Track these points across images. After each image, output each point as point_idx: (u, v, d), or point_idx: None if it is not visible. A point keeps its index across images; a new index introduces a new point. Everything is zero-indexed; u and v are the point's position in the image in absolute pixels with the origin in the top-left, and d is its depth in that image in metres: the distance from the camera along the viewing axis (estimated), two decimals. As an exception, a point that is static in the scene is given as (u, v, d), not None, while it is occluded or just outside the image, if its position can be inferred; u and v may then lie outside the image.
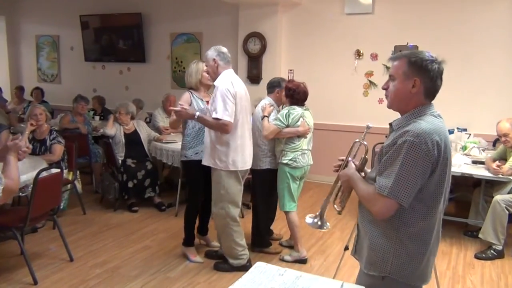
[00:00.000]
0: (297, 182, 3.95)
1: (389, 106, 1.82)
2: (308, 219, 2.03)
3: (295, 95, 3.87)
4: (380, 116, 6.12)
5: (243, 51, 6.69)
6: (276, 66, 6.54)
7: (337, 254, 4.02)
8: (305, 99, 3.93)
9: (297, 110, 3.84)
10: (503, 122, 4.21)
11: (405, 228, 1.69)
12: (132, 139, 5.38)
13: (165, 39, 7.73)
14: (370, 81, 6.24)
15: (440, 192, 1.69)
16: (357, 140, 2.00)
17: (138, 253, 4.06)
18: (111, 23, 8.09)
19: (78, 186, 5.05)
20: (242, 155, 3.47)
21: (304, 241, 4.34)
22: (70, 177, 4.80)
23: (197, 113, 3.41)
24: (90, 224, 4.76)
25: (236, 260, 3.63)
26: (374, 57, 6.18)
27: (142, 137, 5.42)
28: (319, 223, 2.01)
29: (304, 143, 3.89)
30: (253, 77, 6.67)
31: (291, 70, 6.68)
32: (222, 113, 3.29)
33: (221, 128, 3.34)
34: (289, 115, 3.79)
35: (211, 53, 3.47)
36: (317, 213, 2.04)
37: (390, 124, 1.83)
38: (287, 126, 3.79)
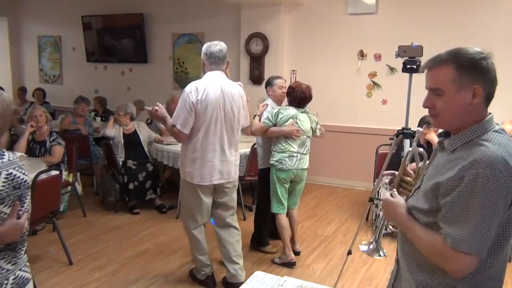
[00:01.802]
0: (285, 186, 3.84)
1: (442, 126, 1.45)
2: (363, 247, 1.72)
3: (292, 93, 3.84)
4: (383, 117, 6.11)
5: (245, 52, 6.64)
6: (278, 67, 6.48)
7: (340, 257, 3.96)
8: (304, 99, 3.84)
9: (288, 111, 3.80)
10: (505, 124, 4.15)
11: (473, 276, 1.31)
12: (132, 139, 5.32)
13: (167, 40, 7.69)
14: (374, 82, 6.17)
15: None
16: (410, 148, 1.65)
17: (138, 256, 4.01)
18: (113, 23, 8.06)
19: (78, 188, 5.00)
20: (200, 170, 3.16)
21: (306, 244, 4.30)
22: (70, 179, 4.75)
23: (166, 116, 3.20)
24: (90, 226, 4.72)
25: (198, 273, 3.48)
26: (378, 57, 6.11)
27: (141, 138, 5.37)
28: (375, 246, 1.69)
29: (294, 146, 3.76)
30: (256, 78, 6.61)
31: (293, 70, 6.62)
32: (175, 119, 3.10)
33: (174, 135, 3.19)
34: (278, 114, 3.76)
35: (202, 49, 3.20)
36: (372, 239, 1.72)
37: (439, 142, 1.46)
38: (275, 125, 3.75)
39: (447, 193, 1.27)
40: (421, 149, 1.64)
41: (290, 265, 3.84)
